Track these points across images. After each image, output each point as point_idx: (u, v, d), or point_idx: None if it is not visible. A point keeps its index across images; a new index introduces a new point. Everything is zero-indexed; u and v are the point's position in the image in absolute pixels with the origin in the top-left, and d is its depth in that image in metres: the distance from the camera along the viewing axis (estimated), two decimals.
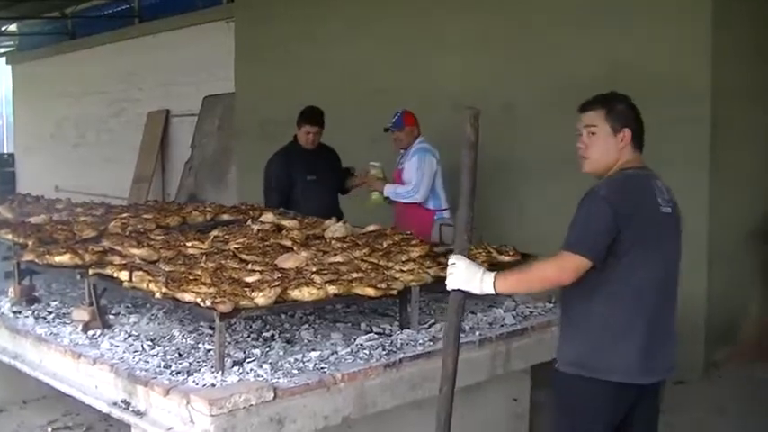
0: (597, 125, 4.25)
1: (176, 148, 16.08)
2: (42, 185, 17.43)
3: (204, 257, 5.48)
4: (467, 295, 4.08)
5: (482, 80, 8.91)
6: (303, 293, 4.61)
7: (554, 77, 8.29)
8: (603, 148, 4.22)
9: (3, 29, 22.67)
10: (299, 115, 8.60)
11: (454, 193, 5.75)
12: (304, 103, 9.11)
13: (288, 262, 5.34)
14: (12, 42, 23.83)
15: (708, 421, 6.50)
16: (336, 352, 4.64)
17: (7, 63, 23.85)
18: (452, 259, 4.07)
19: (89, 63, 18.98)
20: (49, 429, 6.36)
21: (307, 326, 5.18)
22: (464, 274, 3.99)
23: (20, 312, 5.63)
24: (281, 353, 4.62)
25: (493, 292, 4.02)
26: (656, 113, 7.44)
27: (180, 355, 4.61)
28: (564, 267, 3.95)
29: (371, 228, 6.63)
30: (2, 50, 24.52)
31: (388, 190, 8.19)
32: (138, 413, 4.28)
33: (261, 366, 4.33)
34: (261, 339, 4.88)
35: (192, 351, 4.68)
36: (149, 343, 4.81)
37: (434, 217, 8.13)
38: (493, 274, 4.03)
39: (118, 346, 4.80)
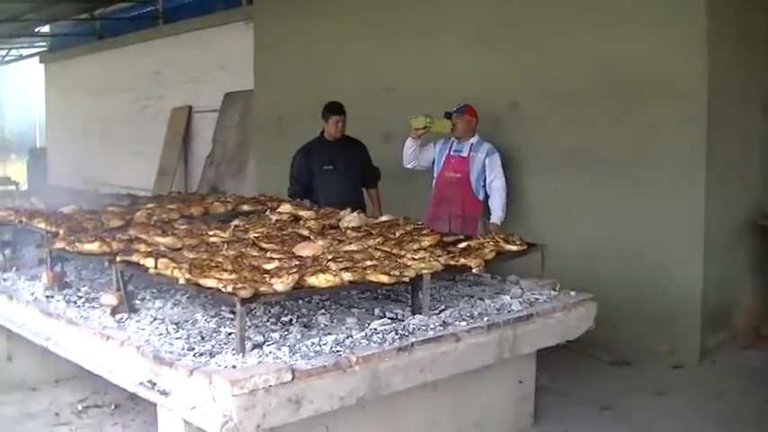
0: None
1: (198, 143, 16.07)
2: (72, 178, 17.50)
3: (225, 246, 5.48)
4: None
5: (488, 79, 8.86)
6: (320, 280, 4.59)
7: (556, 76, 8.24)
8: None
9: (36, 30, 22.71)
10: (324, 110, 8.93)
11: None
12: (319, 99, 9.17)
13: (305, 250, 5.32)
14: (44, 43, 23.87)
15: (704, 405, 6.46)
16: (351, 336, 4.61)
17: (40, 62, 23.88)
18: None
19: (116, 62, 18.99)
20: (80, 407, 6.35)
21: (323, 311, 5.16)
22: None
23: (52, 297, 5.62)
24: (299, 336, 4.60)
25: None
26: (655, 111, 7.48)
27: (202, 338, 4.59)
28: None
29: (384, 218, 6.61)
30: (35, 51, 24.58)
31: (499, 215, 8.20)
32: (164, 393, 4.27)
33: (279, 349, 4.31)
34: (279, 324, 4.86)
35: (214, 334, 4.66)
36: (173, 326, 4.79)
37: (480, 207, 8.25)
38: None
39: (144, 330, 4.78)
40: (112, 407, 6.30)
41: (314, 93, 10.45)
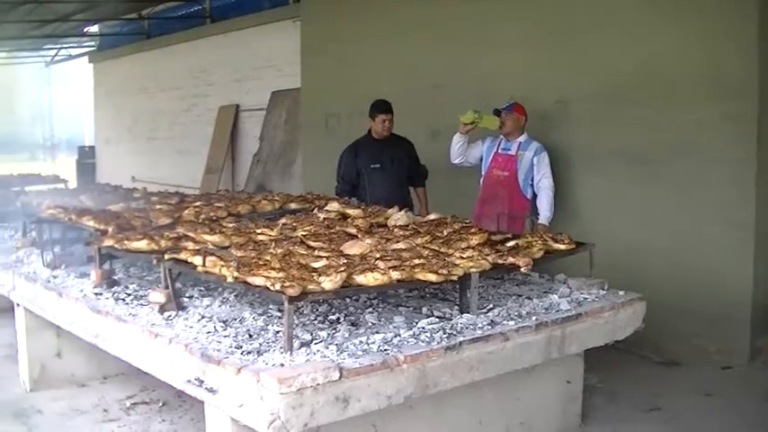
0: None
1: (245, 141, 16.17)
2: (120, 176, 17.66)
3: (273, 244, 5.46)
4: None
5: (535, 77, 8.81)
6: (368, 279, 4.56)
7: (603, 73, 8.19)
8: None
9: (85, 30, 22.95)
10: (371, 108, 8.92)
11: None
12: (366, 97, 9.17)
13: (353, 249, 5.29)
14: (93, 42, 24.13)
15: (752, 407, 6.38)
16: (399, 335, 4.58)
17: (89, 62, 24.15)
18: None
19: (163, 61, 19.16)
20: (128, 404, 6.40)
21: (370, 310, 5.12)
22: None
23: (100, 294, 5.64)
24: (347, 335, 4.58)
25: None
26: (705, 109, 7.39)
27: (250, 336, 4.58)
28: None
29: (432, 216, 6.58)
30: (84, 50, 24.84)
31: (547, 215, 8.14)
32: (211, 390, 4.26)
33: (327, 347, 4.29)
34: (327, 322, 4.84)
35: (262, 332, 4.64)
36: (221, 324, 4.78)
37: (528, 206, 8.21)
38: None
39: (192, 327, 4.78)
40: (160, 404, 6.35)
41: (361, 90, 10.46)
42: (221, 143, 16.50)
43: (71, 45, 25.33)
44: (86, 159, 23.86)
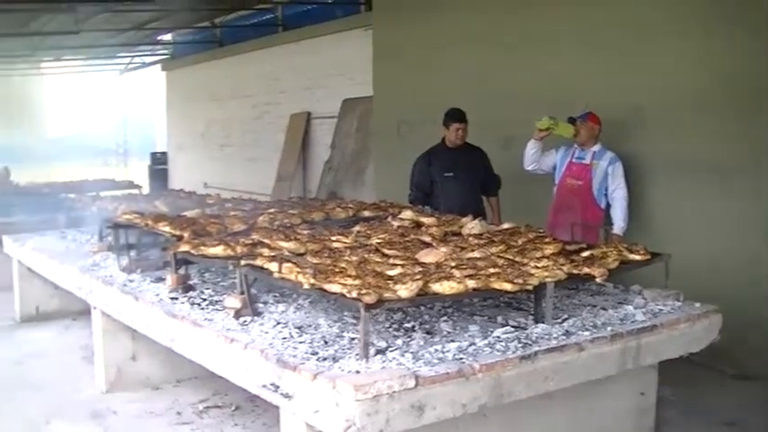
0: None
1: (316, 148, 16.25)
2: (192, 182, 17.87)
3: (348, 251, 5.49)
4: None
5: (609, 85, 8.69)
6: (444, 287, 4.56)
7: (679, 83, 8.05)
8: None
9: (159, 38, 23.24)
10: (445, 117, 8.90)
11: None
12: (438, 105, 9.16)
13: (428, 257, 5.30)
14: (166, 51, 24.42)
15: None
16: (474, 343, 4.57)
17: (162, 70, 24.46)
18: None
19: (235, 69, 19.33)
20: (201, 407, 6.46)
21: (445, 318, 5.12)
22: None
23: (176, 299, 5.72)
24: (422, 343, 4.58)
25: None
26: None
27: (325, 342, 4.60)
28: None
29: (506, 225, 6.55)
30: (157, 58, 25.17)
31: (621, 225, 8.10)
32: (287, 396, 4.28)
33: (403, 355, 4.30)
34: (402, 330, 4.85)
35: (337, 339, 4.66)
36: (297, 330, 4.81)
37: (602, 216, 8.17)
38: None
39: (267, 333, 4.82)
40: (233, 408, 6.40)
41: (433, 98, 10.44)
42: (293, 150, 16.60)
43: (145, 53, 25.67)
44: (158, 165, 24.17)
